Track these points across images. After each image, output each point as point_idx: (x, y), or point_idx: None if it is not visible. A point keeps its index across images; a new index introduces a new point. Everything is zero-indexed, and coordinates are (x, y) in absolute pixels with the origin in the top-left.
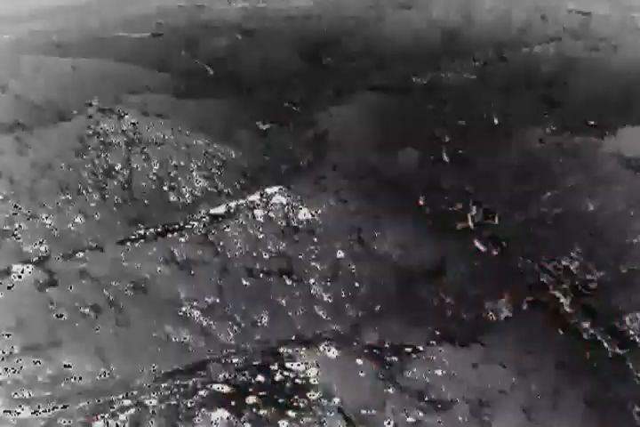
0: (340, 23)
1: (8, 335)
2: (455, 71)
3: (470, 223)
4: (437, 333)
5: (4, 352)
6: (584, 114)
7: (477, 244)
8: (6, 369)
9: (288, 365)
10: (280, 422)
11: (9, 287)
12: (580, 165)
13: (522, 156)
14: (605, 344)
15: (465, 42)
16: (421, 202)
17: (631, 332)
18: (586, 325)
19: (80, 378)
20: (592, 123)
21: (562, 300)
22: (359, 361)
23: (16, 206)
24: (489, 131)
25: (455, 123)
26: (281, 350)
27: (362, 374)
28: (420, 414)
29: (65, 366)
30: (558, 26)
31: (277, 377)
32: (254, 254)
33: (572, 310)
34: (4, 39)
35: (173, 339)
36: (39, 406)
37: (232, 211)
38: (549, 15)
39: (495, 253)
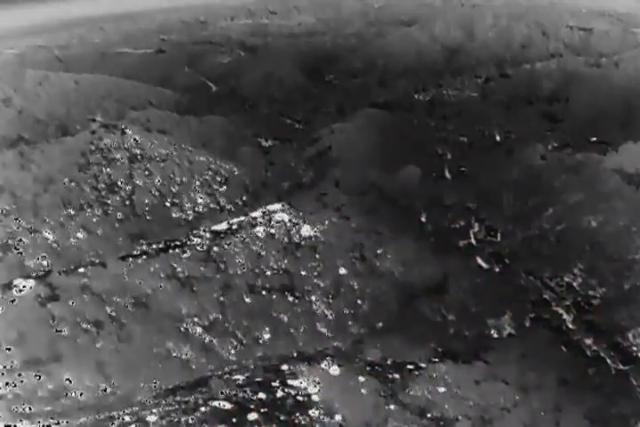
0: (342, 40)
1: (9, 349)
2: (457, 88)
3: (473, 240)
4: (440, 350)
5: (4, 366)
6: (586, 130)
7: (480, 261)
8: (7, 383)
9: (290, 382)
10: None
11: (11, 302)
12: (582, 182)
13: (524, 172)
14: (608, 360)
15: (467, 58)
16: (423, 219)
17: (634, 348)
18: (589, 341)
19: (81, 393)
20: (594, 139)
21: (564, 316)
22: (361, 378)
23: (18, 221)
24: (491, 147)
25: (457, 139)
26: (283, 366)
27: (364, 391)
28: None
29: (65, 380)
30: (559, 42)
31: (279, 394)
32: (256, 271)
33: (575, 327)
34: (7, 53)
35: (175, 355)
36: (39, 421)
37: (234, 227)
38: (550, 31)
39: (497, 269)
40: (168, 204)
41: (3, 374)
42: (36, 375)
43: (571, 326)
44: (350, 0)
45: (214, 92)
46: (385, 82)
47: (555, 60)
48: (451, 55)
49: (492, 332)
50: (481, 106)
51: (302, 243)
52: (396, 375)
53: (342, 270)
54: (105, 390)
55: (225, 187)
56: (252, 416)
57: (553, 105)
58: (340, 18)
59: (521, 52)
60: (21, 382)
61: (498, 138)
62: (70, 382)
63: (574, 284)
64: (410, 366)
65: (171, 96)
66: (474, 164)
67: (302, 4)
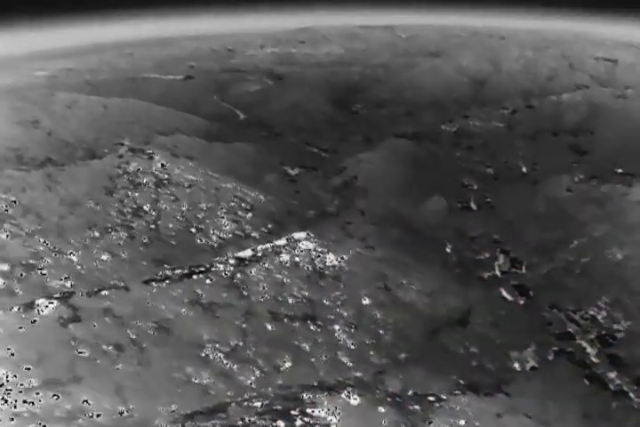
0: (369, 71)
1: (28, 369)
2: (484, 119)
3: (497, 272)
4: (461, 382)
5: (22, 385)
6: (611, 162)
7: (504, 292)
8: (24, 402)
9: (309, 411)
10: None
11: (32, 322)
12: (607, 214)
13: (549, 204)
14: (631, 394)
15: (493, 90)
16: (448, 250)
17: None
18: (612, 375)
19: (98, 415)
20: (619, 170)
21: (588, 350)
22: (381, 409)
23: (43, 242)
24: (517, 179)
25: (483, 171)
26: (302, 395)
27: (384, 422)
28: None
29: (83, 402)
30: (585, 73)
31: (298, 423)
32: (279, 299)
33: (599, 360)
34: (38, 75)
35: (194, 380)
36: None
37: (258, 255)
38: (576, 63)
39: (522, 302)
40: (193, 230)
41: (21, 392)
42: (54, 395)
43: (594, 359)
44: (378, 31)
45: (242, 120)
46: (412, 112)
47: (581, 91)
48: (477, 87)
49: (515, 364)
50: (507, 137)
51: (326, 272)
52: (417, 407)
53: (366, 300)
54: (122, 413)
55: (250, 214)
56: None
57: (579, 136)
58: (369, 48)
59: (547, 83)
60: (39, 401)
61: (524, 169)
62: (88, 403)
63: (598, 317)
64: (431, 398)
65: (199, 122)
66: (499, 195)
67: (331, 34)
